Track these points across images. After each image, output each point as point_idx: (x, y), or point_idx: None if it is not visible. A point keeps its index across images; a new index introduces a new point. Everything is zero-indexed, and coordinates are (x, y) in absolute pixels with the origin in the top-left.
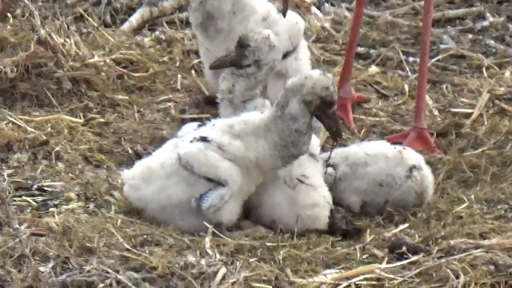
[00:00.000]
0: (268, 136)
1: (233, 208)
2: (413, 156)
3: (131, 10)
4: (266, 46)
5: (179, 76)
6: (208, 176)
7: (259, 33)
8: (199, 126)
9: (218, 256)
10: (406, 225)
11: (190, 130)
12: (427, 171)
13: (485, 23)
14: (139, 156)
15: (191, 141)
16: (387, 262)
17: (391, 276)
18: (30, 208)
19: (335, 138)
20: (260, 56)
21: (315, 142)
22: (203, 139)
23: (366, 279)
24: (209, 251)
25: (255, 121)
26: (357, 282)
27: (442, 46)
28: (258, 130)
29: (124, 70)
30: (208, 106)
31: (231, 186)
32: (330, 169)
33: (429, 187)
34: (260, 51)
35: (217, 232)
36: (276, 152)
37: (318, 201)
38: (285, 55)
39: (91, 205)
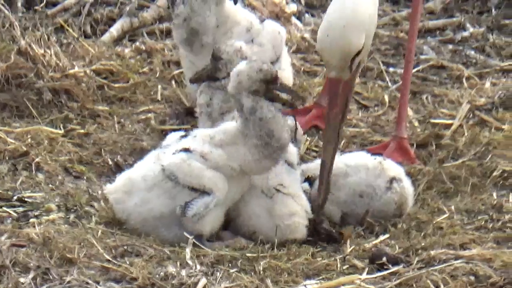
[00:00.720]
0: (248, 142)
1: (216, 217)
2: (393, 168)
3: (111, 21)
4: (238, 58)
5: (159, 86)
6: (193, 185)
7: (231, 46)
8: (182, 137)
9: (198, 267)
10: (387, 235)
11: (172, 141)
12: (407, 183)
13: (465, 33)
14: (119, 167)
15: (173, 153)
16: (368, 273)
17: (372, 287)
18: (10, 219)
19: (294, 104)
20: (232, 68)
21: (293, 151)
22: (186, 150)
23: None
24: (190, 262)
25: (232, 130)
26: None
27: (422, 57)
28: (236, 139)
29: (105, 81)
30: (188, 117)
31: (216, 195)
32: (305, 185)
33: (409, 199)
34: (232, 63)
35: (198, 243)
36: (260, 155)
37: (296, 211)
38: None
39: (72, 216)
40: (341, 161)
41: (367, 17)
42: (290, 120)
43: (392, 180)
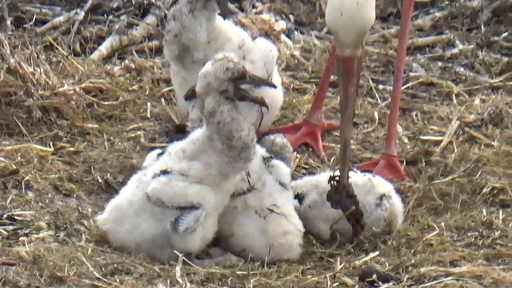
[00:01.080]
0: (214, 146)
1: (209, 227)
2: (383, 185)
3: (100, 39)
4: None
5: (148, 104)
6: (180, 205)
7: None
8: (158, 155)
9: (188, 285)
10: (377, 253)
11: (151, 161)
12: (396, 200)
13: (455, 50)
14: (109, 185)
15: (153, 177)
16: None
17: None
18: (0, 237)
19: (264, 103)
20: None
21: (286, 171)
22: (164, 173)
23: None
24: (180, 280)
25: (199, 138)
26: None
27: (411, 74)
28: (205, 146)
29: (94, 99)
30: (178, 134)
31: (205, 207)
32: (295, 202)
33: (399, 216)
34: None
35: (188, 261)
36: (229, 157)
37: (289, 229)
38: None
39: (61, 234)
40: None
41: None
42: (258, 113)
43: (382, 196)
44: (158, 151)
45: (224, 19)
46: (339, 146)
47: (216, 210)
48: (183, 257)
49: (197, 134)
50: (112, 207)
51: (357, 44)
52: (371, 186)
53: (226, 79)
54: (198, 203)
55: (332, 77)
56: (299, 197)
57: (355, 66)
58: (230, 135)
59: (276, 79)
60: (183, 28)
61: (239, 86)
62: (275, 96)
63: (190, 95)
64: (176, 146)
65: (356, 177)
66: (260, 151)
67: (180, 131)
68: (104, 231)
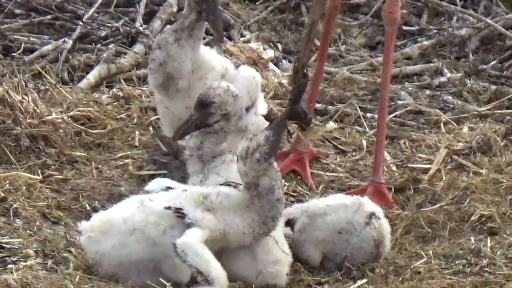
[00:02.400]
0: (245, 214)
1: None
2: (371, 204)
3: (88, 67)
4: (230, 97)
5: (137, 132)
6: (199, 268)
7: (219, 87)
8: (168, 188)
9: None
10: (365, 280)
11: (156, 188)
12: (384, 221)
13: (443, 79)
14: (97, 213)
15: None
16: None
17: None
18: None
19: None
20: (228, 108)
21: None
22: (179, 213)
23: None
24: None
25: (235, 198)
26: None
27: (400, 102)
28: (237, 207)
29: (82, 127)
30: (168, 161)
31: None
32: (287, 229)
33: (387, 238)
34: (227, 103)
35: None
36: (250, 230)
37: (279, 258)
38: (245, 110)
39: (49, 262)
40: (321, 202)
41: None
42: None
43: (371, 215)
44: (167, 182)
45: (221, 41)
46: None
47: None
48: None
49: (231, 192)
50: (102, 218)
51: None
52: (359, 205)
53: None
54: (213, 279)
55: (316, 105)
56: (290, 223)
57: None
58: (276, 215)
59: (261, 106)
60: (168, 57)
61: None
62: (260, 123)
63: (183, 134)
64: (195, 189)
65: (345, 199)
66: None
67: (173, 156)
68: (84, 240)
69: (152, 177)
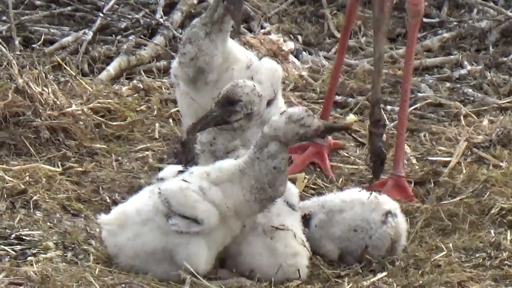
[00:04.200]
0: (243, 181)
1: (208, 259)
2: (388, 202)
3: (108, 59)
4: (256, 97)
5: (157, 124)
6: (185, 214)
7: (247, 86)
8: (179, 172)
9: None
10: (385, 273)
11: (168, 174)
12: (401, 218)
13: (463, 71)
14: (117, 205)
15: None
16: None
17: None
18: (8, 257)
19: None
20: (253, 108)
21: (294, 192)
22: (184, 181)
23: None
24: None
25: (229, 168)
26: None
27: (420, 95)
28: (233, 177)
29: (102, 119)
30: (184, 153)
31: (206, 225)
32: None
33: (403, 235)
34: (253, 103)
35: (197, 279)
36: (252, 197)
37: (298, 251)
38: (268, 103)
39: (69, 254)
40: (337, 197)
41: None
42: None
43: (387, 213)
44: (179, 167)
45: (238, 31)
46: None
47: (216, 246)
48: (191, 277)
49: (225, 163)
50: (120, 211)
51: None
52: (376, 203)
53: (297, 133)
54: (201, 220)
55: (336, 97)
56: (306, 218)
57: None
58: (273, 181)
59: (280, 99)
60: (200, 52)
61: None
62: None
63: (201, 128)
64: (200, 168)
65: (362, 195)
66: None
67: (184, 147)
68: (104, 234)
69: None
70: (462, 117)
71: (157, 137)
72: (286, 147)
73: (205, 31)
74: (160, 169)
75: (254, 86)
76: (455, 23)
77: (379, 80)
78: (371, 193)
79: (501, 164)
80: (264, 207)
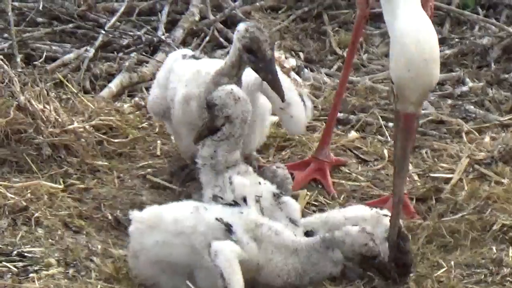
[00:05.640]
0: (290, 259)
1: None
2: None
3: (110, 76)
4: (231, 100)
5: (158, 142)
6: (223, 273)
7: (223, 90)
8: (232, 203)
9: None
10: None
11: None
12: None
13: (465, 88)
14: (119, 222)
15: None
16: None
17: None
18: (10, 274)
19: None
20: (228, 111)
21: (296, 207)
22: (228, 228)
23: None
24: None
25: (286, 239)
26: None
27: (421, 112)
28: (285, 249)
29: (104, 136)
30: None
31: None
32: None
33: None
34: (227, 106)
35: None
36: (285, 277)
37: None
38: None
39: (71, 271)
40: (340, 213)
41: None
42: None
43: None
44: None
45: (283, 101)
46: (392, 197)
47: None
48: None
49: (285, 231)
50: (156, 213)
51: (421, 102)
52: (379, 218)
53: (358, 252)
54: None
55: (338, 114)
56: (308, 235)
57: (414, 123)
58: (315, 278)
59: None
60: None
61: (366, 261)
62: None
63: (199, 137)
64: (251, 215)
65: (365, 211)
66: (270, 187)
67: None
68: (132, 230)
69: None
70: (464, 134)
71: (159, 154)
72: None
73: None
74: (162, 186)
75: (232, 90)
76: (456, 40)
77: (396, 223)
78: (371, 209)
79: (503, 180)
80: None
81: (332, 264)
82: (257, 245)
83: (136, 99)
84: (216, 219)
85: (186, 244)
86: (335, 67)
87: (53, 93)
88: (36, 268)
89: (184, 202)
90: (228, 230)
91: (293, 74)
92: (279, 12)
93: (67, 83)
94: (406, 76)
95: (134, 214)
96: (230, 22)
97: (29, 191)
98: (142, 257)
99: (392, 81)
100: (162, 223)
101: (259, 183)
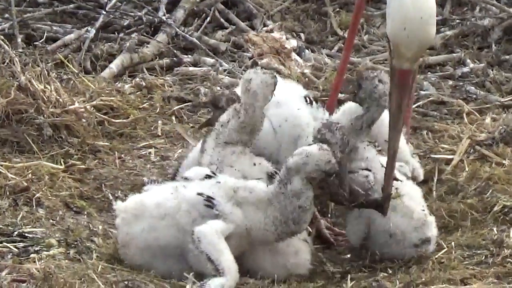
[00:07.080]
0: (269, 211)
1: None
2: (432, 228)
3: (111, 57)
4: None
5: (159, 122)
6: (210, 256)
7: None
8: (206, 177)
9: None
10: (387, 271)
11: (195, 176)
12: (432, 247)
13: (466, 69)
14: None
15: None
16: None
17: None
18: (11, 254)
19: (341, 203)
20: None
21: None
22: (209, 202)
23: None
24: None
25: (259, 193)
26: None
27: (422, 92)
28: (259, 203)
29: (105, 117)
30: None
31: (228, 277)
32: (368, 173)
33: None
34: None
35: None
36: (272, 228)
37: (300, 247)
38: None
39: (72, 251)
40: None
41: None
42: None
43: (425, 241)
44: (206, 170)
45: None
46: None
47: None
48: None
49: (258, 186)
50: (137, 201)
51: (417, 58)
52: (423, 223)
53: (322, 170)
54: (223, 270)
55: (339, 95)
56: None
57: (410, 80)
58: (297, 219)
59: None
60: None
61: (325, 179)
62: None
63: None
64: (229, 181)
65: (415, 208)
66: (264, 167)
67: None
68: (118, 221)
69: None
70: (464, 115)
71: (160, 134)
72: (312, 184)
73: None
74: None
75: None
76: (457, 21)
77: (391, 175)
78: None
79: (503, 161)
80: (282, 239)
81: (296, 197)
82: (241, 210)
83: (137, 79)
84: (198, 193)
85: (172, 225)
86: (336, 48)
87: (54, 74)
88: (37, 248)
89: (162, 185)
90: (208, 205)
91: (294, 55)
92: None
93: (68, 64)
94: (402, 33)
95: (118, 205)
96: (231, 3)
97: (30, 171)
98: (132, 246)
99: (388, 38)
100: (146, 210)
101: (254, 164)
